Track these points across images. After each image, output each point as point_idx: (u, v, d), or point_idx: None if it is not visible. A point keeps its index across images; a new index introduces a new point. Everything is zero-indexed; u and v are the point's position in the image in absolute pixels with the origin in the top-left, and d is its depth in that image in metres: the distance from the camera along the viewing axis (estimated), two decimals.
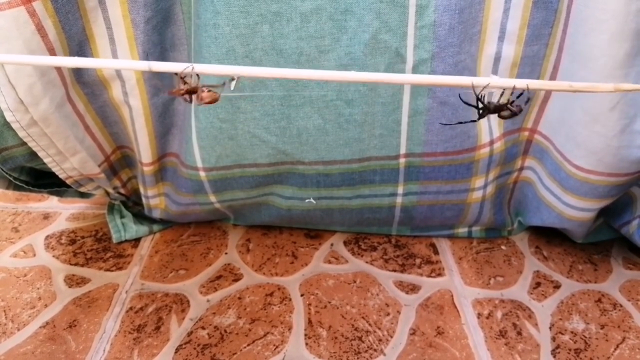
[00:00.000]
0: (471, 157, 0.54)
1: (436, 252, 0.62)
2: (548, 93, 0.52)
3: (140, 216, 0.66)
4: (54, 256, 0.62)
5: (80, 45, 0.47)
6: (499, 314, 0.53)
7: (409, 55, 0.47)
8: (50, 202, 0.72)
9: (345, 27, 0.46)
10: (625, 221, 0.57)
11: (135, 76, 0.50)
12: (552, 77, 0.50)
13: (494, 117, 0.53)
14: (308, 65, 0.47)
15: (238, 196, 0.58)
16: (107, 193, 0.63)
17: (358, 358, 0.49)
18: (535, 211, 0.59)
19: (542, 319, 0.53)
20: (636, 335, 0.51)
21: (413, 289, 0.57)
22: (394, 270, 0.59)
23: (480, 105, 0.31)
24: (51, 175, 0.53)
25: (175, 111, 0.55)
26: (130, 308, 0.55)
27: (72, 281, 0.58)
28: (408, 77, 0.30)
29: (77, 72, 0.49)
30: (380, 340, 0.51)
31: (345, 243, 0.64)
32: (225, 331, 0.52)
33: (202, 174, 0.55)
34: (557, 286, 0.57)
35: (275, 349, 0.50)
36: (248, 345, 0.50)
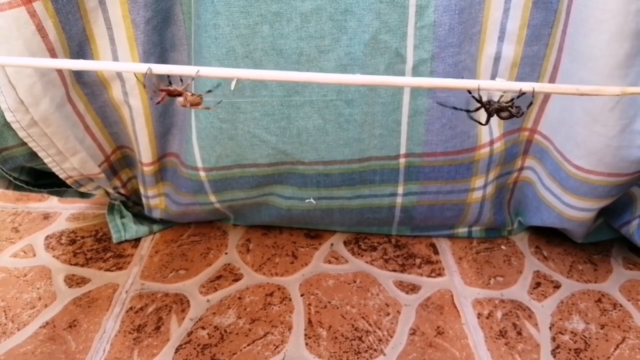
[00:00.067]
0: (471, 157, 0.54)
1: (436, 252, 0.62)
2: (547, 95, 0.52)
3: (140, 216, 0.66)
4: (54, 256, 0.62)
5: (80, 45, 0.47)
6: (499, 314, 0.53)
7: (409, 56, 0.47)
8: (50, 202, 0.72)
9: (345, 27, 0.46)
10: (625, 221, 0.57)
11: (137, 80, 0.50)
12: (552, 78, 0.50)
13: (493, 117, 0.53)
14: (308, 65, 0.47)
15: (238, 196, 0.58)
16: (107, 193, 0.63)
17: (358, 358, 0.49)
18: (535, 211, 0.59)
19: (542, 319, 0.53)
20: (636, 335, 0.51)
21: (413, 289, 0.57)
22: (394, 270, 0.59)
23: (480, 105, 0.31)
24: (51, 175, 0.54)
25: (175, 111, 0.55)
26: (130, 308, 0.55)
27: (72, 281, 0.58)
28: (416, 80, 0.30)
29: (77, 72, 0.49)
30: (380, 340, 0.51)
31: (345, 243, 0.64)
32: (225, 331, 0.52)
33: (202, 174, 0.56)
34: (557, 286, 0.57)
35: (275, 349, 0.50)
36: (248, 345, 0.50)
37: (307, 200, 0.58)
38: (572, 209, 0.53)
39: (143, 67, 0.30)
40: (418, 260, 0.61)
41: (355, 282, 0.58)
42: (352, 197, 0.57)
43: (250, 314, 0.54)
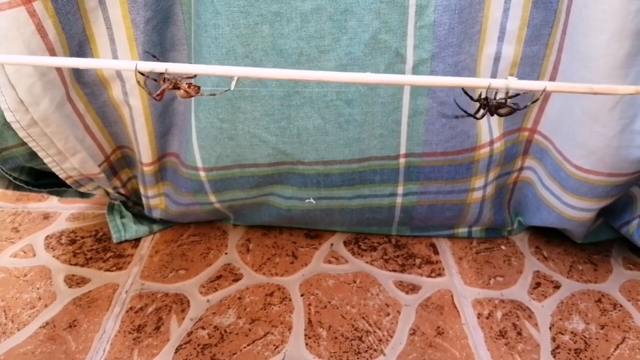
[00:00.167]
0: (471, 157, 0.54)
1: (436, 252, 0.62)
2: (548, 93, 0.52)
3: (140, 216, 0.66)
4: (54, 256, 0.62)
5: (80, 45, 0.47)
6: (499, 314, 0.53)
7: (409, 55, 0.47)
8: (50, 202, 0.72)
9: (345, 27, 0.46)
10: (625, 221, 0.57)
11: (135, 80, 0.50)
12: (552, 77, 0.50)
13: (493, 118, 0.53)
14: (308, 65, 0.47)
15: (238, 196, 0.58)
16: (107, 193, 0.63)
17: (358, 358, 0.49)
18: (535, 211, 0.59)
19: (542, 319, 0.53)
20: (636, 335, 0.51)
21: (413, 289, 0.57)
22: (394, 270, 0.59)
23: (480, 104, 0.31)
24: (51, 175, 0.54)
25: (175, 111, 0.55)
26: (130, 308, 0.55)
27: (72, 281, 0.58)
28: (425, 79, 0.30)
29: (77, 72, 0.49)
30: (380, 340, 0.51)
31: (345, 243, 0.64)
32: (225, 331, 0.52)
33: (202, 174, 0.56)
34: (557, 286, 0.57)
35: (275, 349, 0.50)
36: (248, 345, 0.50)
37: (307, 200, 0.58)
38: (572, 209, 0.53)
39: (131, 65, 0.30)
40: (418, 260, 0.61)
41: (355, 282, 0.58)
42: (352, 197, 0.57)
43: (250, 314, 0.54)
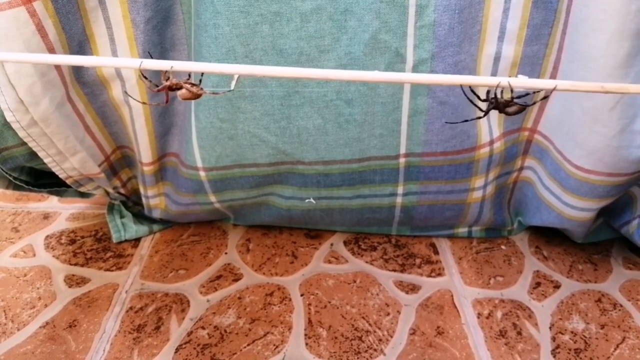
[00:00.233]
0: (471, 157, 0.54)
1: (436, 252, 0.62)
2: (548, 92, 0.52)
3: (140, 216, 0.66)
4: (54, 256, 0.62)
5: (80, 45, 0.47)
6: (499, 314, 0.53)
7: (409, 55, 0.47)
8: (50, 202, 0.72)
9: (345, 27, 0.46)
10: (625, 221, 0.57)
11: (135, 76, 0.50)
12: (552, 77, 0.50)
13: (493, 117, 0.53)
14: (308, 65, 0.47)
15: (238, 196, 0.58)
16: (107, 193, 0.63)
17: (358, 358, 0.49)
18: (535, 211, 0.59)
19: (542, 319, 0.53)
20: (636, 335, 0.51)
21: (413, 289, 0.57)
22: (394, 270, 0.59)
23: (487, 102, 0.31)
24: (51, 175, 0.54)
25: (175, 111, 0.55)
26: (130, 308, 0.55)
27: (72, 281, 0.58)
28: (433, 77, 0.30)
29: (77, 72, 0.49)
30: (380, 340, 0.51)
31: (345, 243, 0.64)
32: (225, 331, 0.52)
33: (202, 173, 0.56)
34: (557, 286, 0.57)
35: (275, 349, 0.50)
36: (248, 345, 0.50)
37: (307, 200, 0.58)
38: (572, 208, 0.53)
39: (136, 62, 0.30)
40: (418, 260, 0.61)
41: (355, 282, 0.58)
42: (352, 197, 0.57)
43: (250, 314, 0.54)
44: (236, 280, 0.58)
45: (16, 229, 0.67)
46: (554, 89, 0.29)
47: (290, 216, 0.61)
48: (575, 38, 0.45)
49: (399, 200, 0.58)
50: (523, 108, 0.31)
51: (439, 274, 0.59)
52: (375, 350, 0.50)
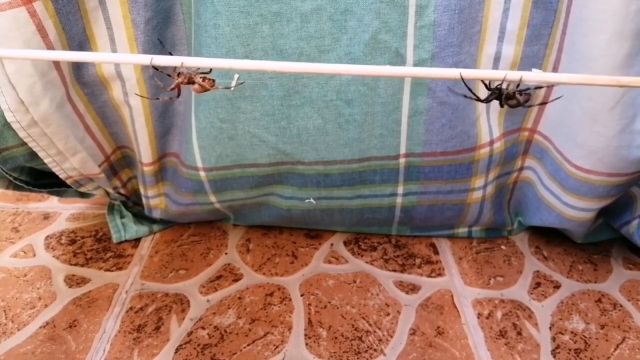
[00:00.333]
0: (471, 157, 0.54)
1: (436, 252, 0.62)
2: (548, 93, 0.52)
3: (140, 216, 0.66)
4: (54, 256, 0.62)
5: (80, 45, 0.47)
6: (499, 314, 0.53)
7: (409, 55, 0.47)
8: (50, 202, 0.72)
9: (345, 27, 0.46)
10: (625, 221, 0.57)
11: (136, 76, 0.50)
12: None
13: (493, 117, 0.53)
14: None
15: (238, 196, 0.58)
16: (107, 193, 0.63)
17: (358, 358, 0.49)
18: (535, 211, 0.59)
19: (542, 319, 0.53)
20: (636, 335, 0.51)
21: (413, 289, 0.57)
22: (394, 270, 0.59)
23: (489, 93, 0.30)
24: (51, 175, 0.54)
25: (175, 111, 0.56)
26: (130, 308, 0.55)
27: (72, 281, 0.58)
28: (440, 71, 0.29)
29: (77, 72, 0.49)
30: (380, 340, 0.51)
31: (345, 243, 0.64)
32: (225, 331, 0.52)
33: (202, 174, 0.56)
34: (557, 286, 0.57)
35: (275, 349, 0.50)
36: (248, 345, 0.50)
37: (307, 200, 0.58)
38: (572, 209, 0.53)
39: (146, 59, 0.30)
40: (418, 260, 0.61)
41: (355, 282, 0.58)
42: (352, 197, 0.57)
43: (250, 314, 0.54)
44: (236, 280, 0.58)
45: (16, 229, 0.67)
46: (568, 83, 0.28)
47: (290, 216, 0.61)
48: (575, 38, 0.45)
49: (399, 200, 0.58)
50: (522, 104, 0.31)
51: (439, 274, 0.59)
52: (375, 350, 0.50)
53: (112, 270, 0.60)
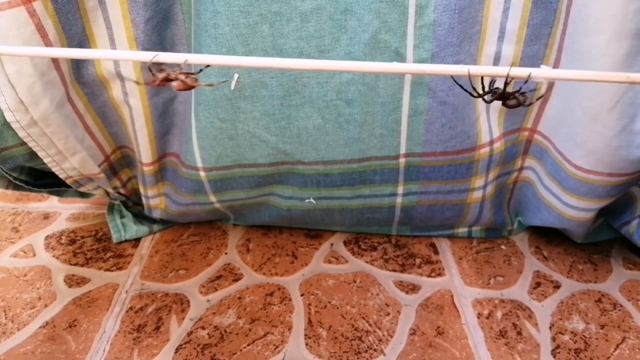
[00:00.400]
0: (471, 157, 0.54)
1: (436, 252, 0.62)
2: (548, 93, 0.52)
3: (140, 216, 0.66)
4: (54, 256, 0.62)
5: (80, 45, 0.47)
6: (499, 314, 0.53)
7: (409, 55, 0.47)
8: (50, 202, 0.72)
9: (345, 26, 0.46)
10: (625, 221, 0.57)
11: (135, 76, 0.50)
12: None
13: (493, 117, 0.53)
14: None
15: (238, 196, 0.58)
16: (107, 193, 0.63)
17: (358, 358, 0.49)
18: (535, 211, 0.59)
19: (542, 319, 0.53)
20: (636, 335, 0.51)
21: (413, 289, 0.57)
22: (394, 270, 0.59)
23: (487, 90, 0.30)
24: (51, 175, 0.54)
25: (176, 111, 0.55)
26: (130, 308, 0.55)
27: (72, 281, 0.58)
28: (443, 68, 0.29)
29: (77, 72, 0.49)
30: (380, 340, 0.51)
31: (345, 243, 0.64)
32: (225, 331, 0.52)
33: (202, 174, 0.56)
34: (557, 286, 0.57)
35: (275, 349, 0.50)
36: (248, 345, 0.50)
37: (307, 200, 0.58)
38: (572, 209, 0.53)
39: (149, 55, 0.30)
40: (418, 260, 0.61)
41: (355, 282, 0.58)
42: (352, 197, 0.57)
43: (250, 314, 0.54)
44: (236, 280, 0.58)
45: (16, 229, 0.67)
46: (577, 79, 0.27)
47: (290, 216, 0.61)
48: (575, 38, 0.45)
49: (399, 200, 0.58)
50: (520, 103, 0.30)
51: (439, 274, 0.59)
52: (375, 350, 0.50)
53: (112, 270, 0.60)
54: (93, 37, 0.47)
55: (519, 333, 0.51)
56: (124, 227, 0.65)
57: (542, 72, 0.28)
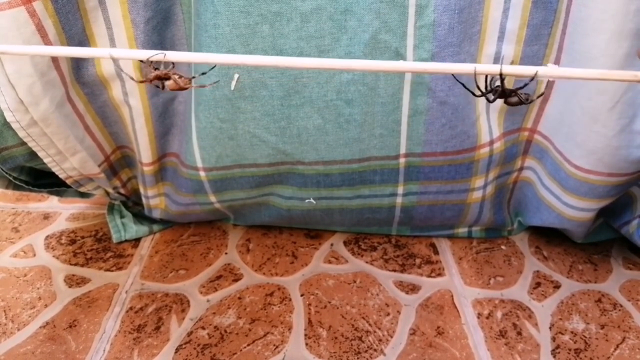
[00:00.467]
0: (471, 157, 0.54)
1: (436, 252, 0.62)
2: (547, 93, 0.52)
3: (140, 216, 0.66)
4: (54, 256, 0.62)
5: (80, 45, 0.47)
6: (499, 314, 0.53)
7: (409, 55, 0.47)
8: (50, 202, 0.72)
9: (345, 27, 0.46)
10: (625, 221, 0.57)
11: (135, 75, 0.50)
12: None
13: (493, 117, 0.53)
14: None
15: (238, 196, 0.58)
16: (107, 193, 0.63)
17: (358, 358, 0.49)
18: (535, 211, 0.59)
19: (542, 319, 0.53)
20: (636, 335, 0.51)
21: (413, 289, 0.57)
22: (394, 270, 0.59)
23: (489, 89, 0.30)
24: (51, 175, 0.54)
25: (176, 111, 0.56)
26: (130, 308, 0.55)
27: (72, 281, 0.58)
28: (455, 66, 0.29)
29: (77, 72, 0.49)
30: (380, 340, 0.51)
31: (345, 243, 0.64)
32: (225, 331, 0.52)
33: (202, 174, 0.56)
34: (557, 286, 0.57)
35: (275, 349, 0.50)
36: (248, 345, 0.50)
37: (307, 201, 0.58)
38: (572, 209, 0.53)
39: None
40: (418, 260, 0.61)
41: (355, 282, 0.58)
42: (352, 197, 0.57)
43: (250, 314, 0.54)
44: (236, 280, 0.58)
45: (16, 229, 0.67)
46: (587, 78, 0.27)
47: (290, 216, 0.61)
48: (575, 38, 0.45)
49: (399, 200, 0.58)
50: (522, 102, 0.30)
51: (439, 274, 0.59)
52: (375, 350, 0.50)
53: (112, 270, 0.60)
54: (93, 37, 0.47)
55: (519, 333, 0.51)
56: (124, 227, 0.65)
57: (550, 71, 0.27)
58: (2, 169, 0.51)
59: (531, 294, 0.56)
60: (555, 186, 0.54)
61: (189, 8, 0.48)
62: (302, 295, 0.56)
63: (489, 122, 0.53)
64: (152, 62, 0.30)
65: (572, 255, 0.61)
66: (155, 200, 0.62)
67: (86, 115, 0.52)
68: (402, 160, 0.54)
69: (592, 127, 0.47)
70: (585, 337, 0.51)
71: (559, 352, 0.49)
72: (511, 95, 0.30)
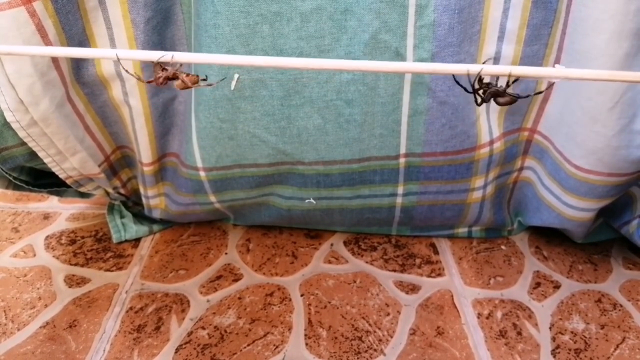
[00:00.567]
0: (471, 157, 0.54)
1: (436, 252, 0.62)
2: (547, 93, 0.52)
3: (140, 216, 0.66)
4: (54, 256, 0.62)
5: (80, 45, 0.47)
6: (499, 314, 0.53)
7: (409, 55, 0.47)
8: (50, 202, 0.72)
9: (345, 27, 0.46)
10: (625, 221, 0.57)
11: (136, 75, 0.50)
12: None
13: (493, 117, 0.53)
14: None
15: (238, 196, 0.58)
16: (107, 193, 0.63)
17: (358, 358, 0.49)
18: (535, 211, 0.59)
19: (542, 319, 0.53)
20: (636, 335, 0.51)
21: (413, 289, 0.57)
22: (394, 270, 0.59)
23: (478, 87, 0.30)
24: (51, 175, 0.54)
25: (176, 111, 0.56)
26: (130, 308, 0.55)
27: (72, 281, 0.58)
28: (448, 67, 0.29)
29: (77, 72, 0.49)
30: (380, 340, 0.51)
31: (345, 243, 0.64)
32: (225, 331, 0.52)
33: (202, 174, 0.56)
34: (557, 286, 0.57)
35: (275, 349, 0.50)
36: (248, 345, 0.50)
37: (307, 201, 0.58)
38: (572, 209, 0.53)
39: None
40: (418, 260, 0.61)
41: (355, 282, 0.58)
42: (352, 197, 0.57)
43: (250, 314, 0.54)
44: (236, 280, 0.58)
45: (16, 229, 0.67)
46: (594, 79, 0.27)
47: (290, 216, 0.61)
48: (575, 38, 0.45)
49: (399, 200, 0.58)
50: (514, 100, 0.30)
51: (439, 274, 0.59)
52: (375, 350, 0.50)
53: (112, 270, 0.60)
54: (93, 37, 0.47)
55: (519, 333, 0.51)
56: (124, 227, 0.65)
57: (555, 72, 0.27)
58: (2, 169, 0.51)
59: (531, 294, 0.56)
60: (555, 186, 0.54)
61: (189, 8, 0.48)
62: (302, 295, 0.56)
63: (489, 122, 0.53)
64: (158, 63, 0.30)
65: (572, 255, 0.61)
66: (155, 200, 0.62)
67: (86, 115, 0.52)
68: (402, 160, 0.54)
69: (592, 127, 0.47)
70: (585, 337, 0.51)
71: (559, 352, 0.49)
72: (502, 95, 0.30)
